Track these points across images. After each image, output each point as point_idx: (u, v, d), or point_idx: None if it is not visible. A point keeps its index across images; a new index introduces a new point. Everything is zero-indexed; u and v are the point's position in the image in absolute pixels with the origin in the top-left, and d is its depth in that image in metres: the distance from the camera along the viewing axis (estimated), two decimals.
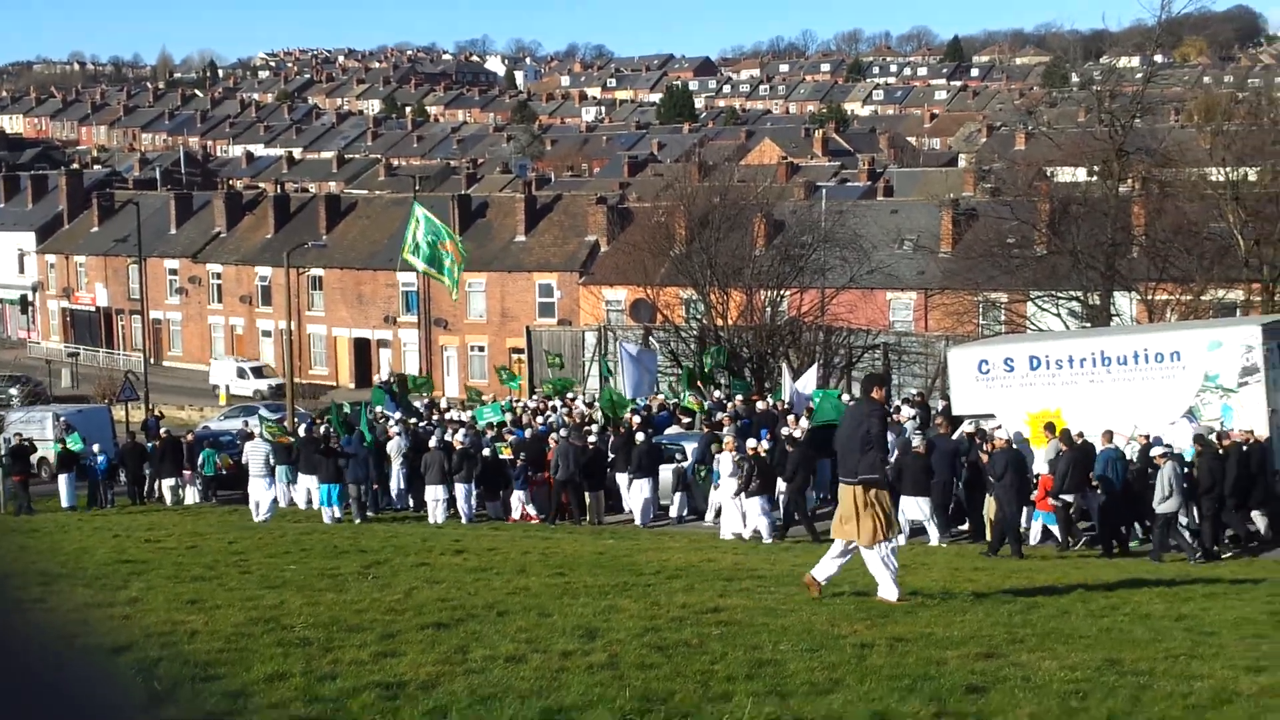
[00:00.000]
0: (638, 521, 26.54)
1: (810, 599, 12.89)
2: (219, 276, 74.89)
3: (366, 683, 8.75)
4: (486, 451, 28.34)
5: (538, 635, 10.51)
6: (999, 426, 23.56)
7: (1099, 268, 38.33)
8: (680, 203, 50.25)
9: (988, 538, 22.10)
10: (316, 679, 8.89)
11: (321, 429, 31.35)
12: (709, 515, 26.36)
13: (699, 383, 34.70)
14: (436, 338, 67.14)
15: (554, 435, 28.95)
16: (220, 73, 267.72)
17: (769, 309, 42.76)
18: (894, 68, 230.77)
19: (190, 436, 34.92)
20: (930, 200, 59.56)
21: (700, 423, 30.62)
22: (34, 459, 35.76)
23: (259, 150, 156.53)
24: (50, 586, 13.20)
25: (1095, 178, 42.74)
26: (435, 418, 34.97)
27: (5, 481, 31.84)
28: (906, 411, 27.73)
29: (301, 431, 30.97)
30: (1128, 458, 22.28)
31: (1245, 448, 21.65)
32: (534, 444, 29.02)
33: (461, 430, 29.89)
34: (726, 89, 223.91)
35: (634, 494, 26.93)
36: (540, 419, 32.50)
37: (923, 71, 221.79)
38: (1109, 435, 22.41)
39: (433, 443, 28.00)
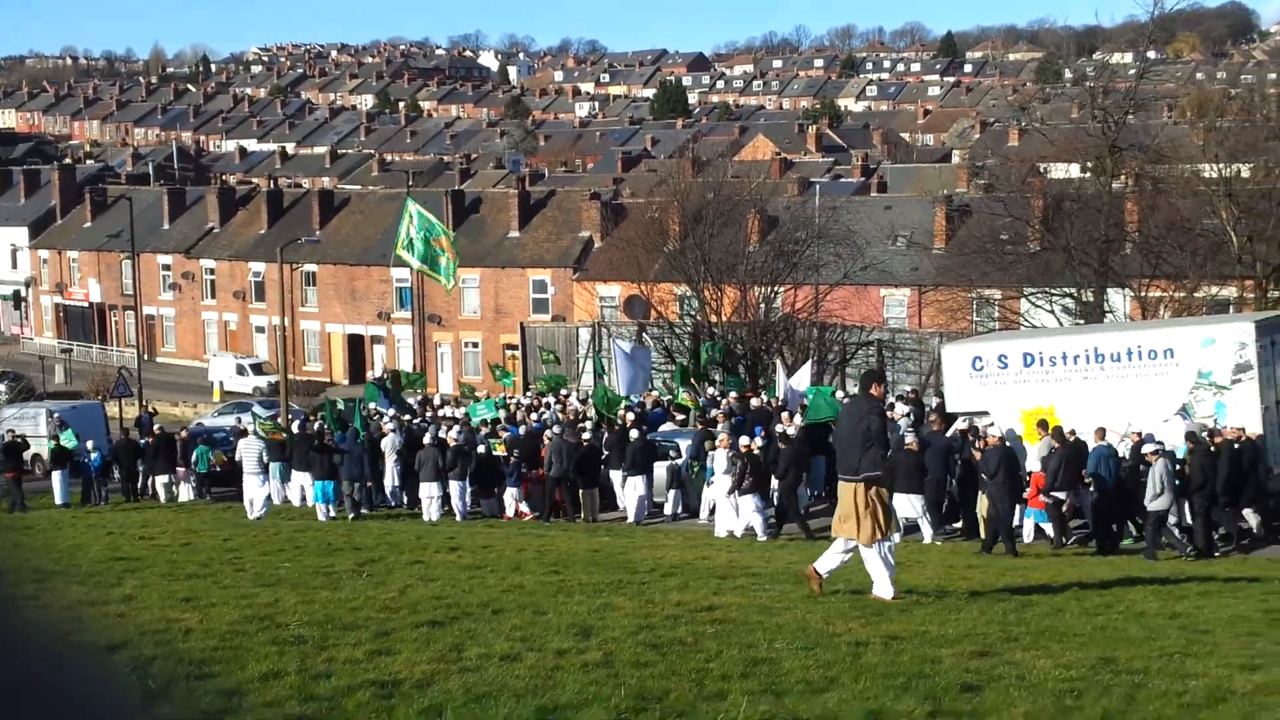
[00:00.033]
0: (631, 519, 26.53)
1: (808, 593, 12.89)
2: (212, 272, 74.81)
3: (361, 681, 8.74)
4: (481, 449, 28.31)
5: (533, 633, 10.51)
6: (991, 424, 23.57)
7: (1092, 264, 38.38)
8: (674, 199, 50.25)
9: (981, 535, 22.12)
10: (311, 677, 8.87)
11: (315, 425, 31.32)
12: (703, 513, 26.35)
13: (693, 380, 34.69)
14: (430, 334, 67.10)
15: (548, 432, 28.93)
16: (213, 67, 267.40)
17: (763, 305, 42.77)
18: (887, 63, 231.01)
19: (184, 433, 34.88)
20: (924, 196, 59.57)
21: (694, 420, 30.60)
22: (27, 455, 35.75)
23: (252, 145, 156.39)
24: (44, 584, 13.18)
25: (1089, 174, 42.81)
26: (429, 414, 34.93)
27: None
28: (900, 408, 27.71)
29: (295, 428, 30.94)
30: (1120, 455, 22.29)
31: (1237, 445, 21.67)
32: (528, 441, 29.01)
33: (456, 427, 29.86)
34: (720, 85, 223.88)
35: (628, 491, 26.91)
36: (534, 416, 32.48)
37: (916, 67, 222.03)
38: (1101, 432, 22.42)
39: (427, 440, 27.97)
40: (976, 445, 23.00)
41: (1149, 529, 21.03)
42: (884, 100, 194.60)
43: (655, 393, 35.16)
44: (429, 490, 27.10)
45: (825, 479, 27.09)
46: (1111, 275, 38.76)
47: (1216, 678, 9.09)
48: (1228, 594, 14.82)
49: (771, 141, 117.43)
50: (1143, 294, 38.28)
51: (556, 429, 28.73)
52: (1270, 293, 36.29)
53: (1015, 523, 22.45)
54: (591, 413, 31.94)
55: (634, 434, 27.25)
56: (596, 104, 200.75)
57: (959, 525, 24.00)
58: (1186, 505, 21.78)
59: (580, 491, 27.44)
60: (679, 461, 27.72)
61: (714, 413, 29.89)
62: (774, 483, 24.64)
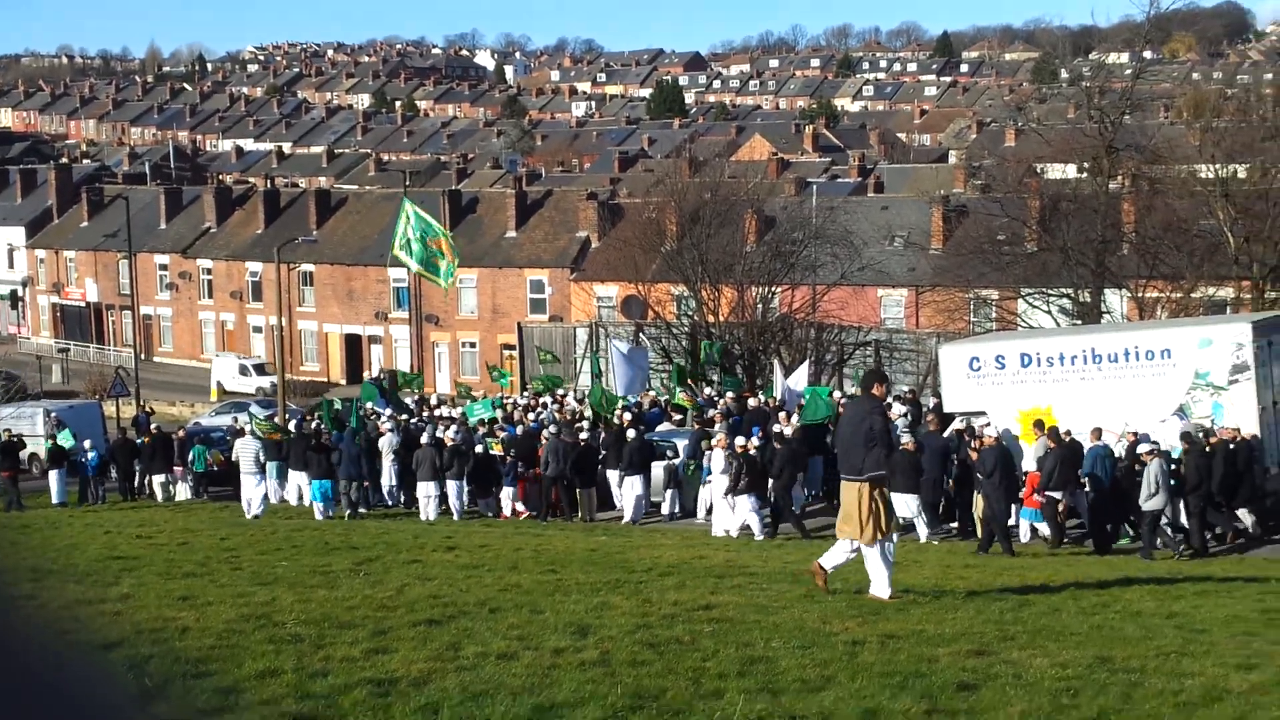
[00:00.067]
0: (628, 518, 26.53)
1: (813, 589, 12.90)
2: (209, 272, 74.79)
3: (358, 679, 8.74)
4: (479, 448, 28.32)
5: (529, 632, 10.51)
6: (988, 424, 23.59)
7: (1089, 265, 38.40)
8: (671, 199, 50.25)
9: (978, 535, 22.13)
10: (308, 676, 8.88)
11: (313, 425, 31.32)
12: (700, 512, 26.36)
13: (690, 380, 34.69)
14: (428, 334, 67.09)
15: (545, 432, 28.93)
16: (209, 67, 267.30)
17: (760, 305, 42.78)
18: (884, 63, 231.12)
19: (181, 433, 34.86)
20: (921, 197, 59.62)
21: (691, 420, 30.61)
22: (24, 455, 35.72)
23: (248, 145, 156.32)
24: (41, 582, 13.18)
25: (1085, 174, 42.82)
26: (425, 414, 34.94)
27: None
28: (898, 409, 27.70)
29: (292, 427, 30.93)
30: (1116, 455, 22.31)
31: (1232, 445, 21.70)
32: (525, 441, 29.01)
33: (453, 427, 29.86)
34: (716, 84, 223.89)
35: (625, 491, 26.92)
36: (532, 415, 32.48)
37: (912, 67, 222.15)
38: (1098, 433, 22.44)
39: (424, 439, 27.97)
40: (972, 445, 23.02)
41: (1145, 529, 21.05)
42: (880, 100, 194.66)
43: (652, 393, 35.17)
44: (426, 490, 27.10)
45: (822, 479, 27.15)
46: (1108, 276, 38.78)
47: (1213, 677, 9.10)
48: (1224, 593, 14.83)
49: (768, 141, 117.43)
50: (1140, 294, 38.30)
51: (553, 429, 28.73)
52: (1267, 293, 36.30)
53: (1011, 523, 22.48)
54: (588, 412, 31.95)
55: (631, 434, 27.27)
56: (593, 104, 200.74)
57: (954, 525, 24.01)
58: (1181, 505, 21.80)
59: (577, 491, 27.45)
60: (676, 461, 27.74)
61: (711, 413, 29.90)
62: (770, 482, 24.63)
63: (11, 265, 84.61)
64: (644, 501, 26.89)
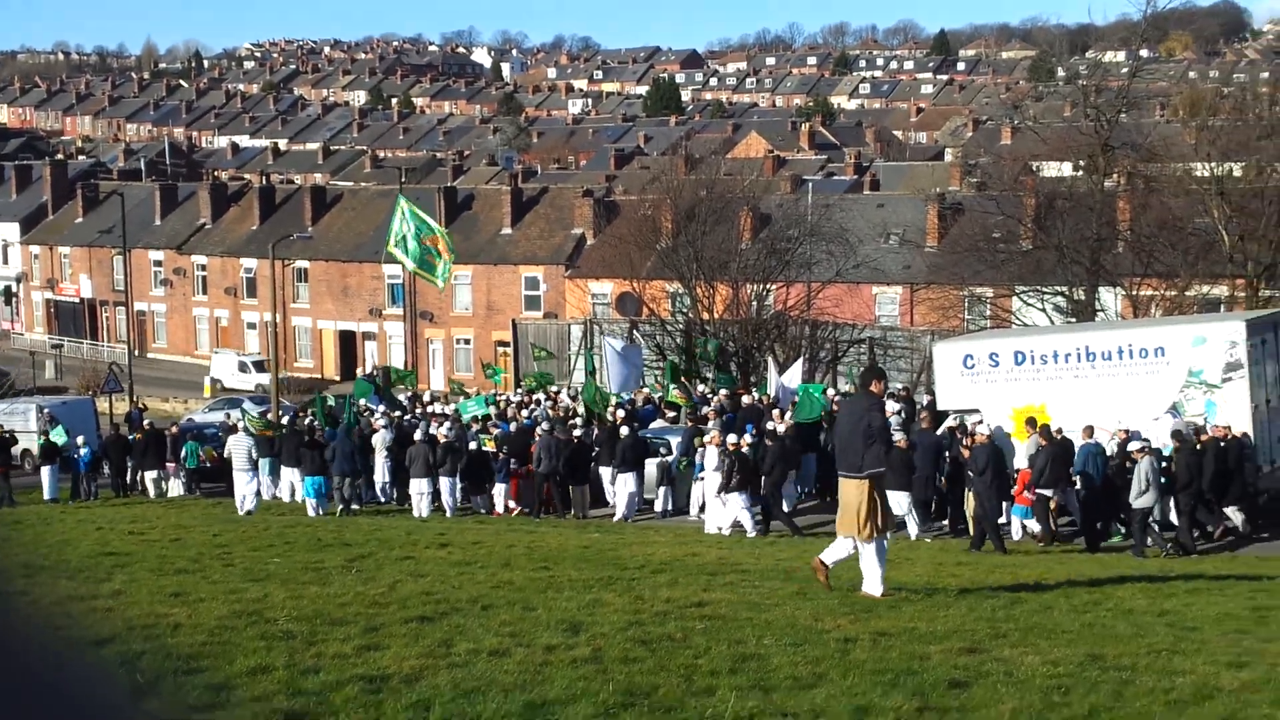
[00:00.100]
0: (619, 515, 26.51)
1: (804, 587, 12.90)
2: (204, 268, 74.72)
3: (350, 676, 8.73)
4: (472, 445, 28.30)
5: (521, 629, 10.51)
6: (980, 421, 23.60)
7: (1084, 263, 38.42)
8: (666, 196, 50.25)
9: (970, 533, 22.15)
10: (299, 672, 8.87)
11: (306, 421, 31.29)
12: (693, 509, 26.35)
13: (684, 378, 34.68)
14: (422, 330, 67.06)
15: (539, 428, 28.91)
16: (205, 63, 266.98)
17: (755, 303, 42.78)
18: (880, 61, 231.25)
19: (175, 429, 34.84)
20: (916, 194, 59.67)
21: (685, 417, 30.60)
22: (16, 451, 35.68)
23: (244, 141, 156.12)
24: (33, 579, 13.16)
25: (1081, 172, 42.84)
26: (419, 411, 34.90)
27: None
28: (891, 406, 27.74)
29: (285, 423, 30.91)
30: (1108, 453, 22.33)
31: (1223, 443, 21.72)
32: (518, 437, 28.97)
33: (446, 423, 29.85)
34: (713, 82, 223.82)
35: (619, 488, 26.91)
36: (525, 412, 32.45)
37: (909, 65, 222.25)
38: (1089, 430, 22.45)
39: (417, 436, 27.95)
40: (964, 443, 23.03)
41: (1135, 526, 21.08)
42: (877, 98, 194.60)
43: (646, 389, 35.15)
44: (419, 486, 27.08)
45: (816, 476, 27.17)
46: (1103, 274, 38.80)
47: (1204, 675, 9.11)
48: (1216, 592, 14.84)
49: (764, 139, 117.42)
50: (1134, 293, 38.31)
51: (545, 425, 28.71)
52: (1261, 292, 36.32)
53: (1003, 520, 22.50)
54: (582, 409, 31.93)
55: (624, 431, 27.26)
56: (589, 101, 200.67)
57: (945, 522, 24.04)
58: (1172, 503, 21.83)
59: (570, 488, 27.44)
60: (669, 459, 27.73)
61: (705, 410, 29.90)
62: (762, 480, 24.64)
63: (6, 261, 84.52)
64: (637, 499, 26.88)
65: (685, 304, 44.50)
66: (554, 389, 36.91)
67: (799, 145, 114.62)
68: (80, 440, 33.65)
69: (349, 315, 69.10)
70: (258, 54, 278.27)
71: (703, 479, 25.12)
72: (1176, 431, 21.91)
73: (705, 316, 42.24)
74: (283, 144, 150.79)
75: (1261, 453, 22.77)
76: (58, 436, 33.93)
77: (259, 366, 66.26)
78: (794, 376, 30.98)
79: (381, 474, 29.56)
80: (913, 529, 22.91)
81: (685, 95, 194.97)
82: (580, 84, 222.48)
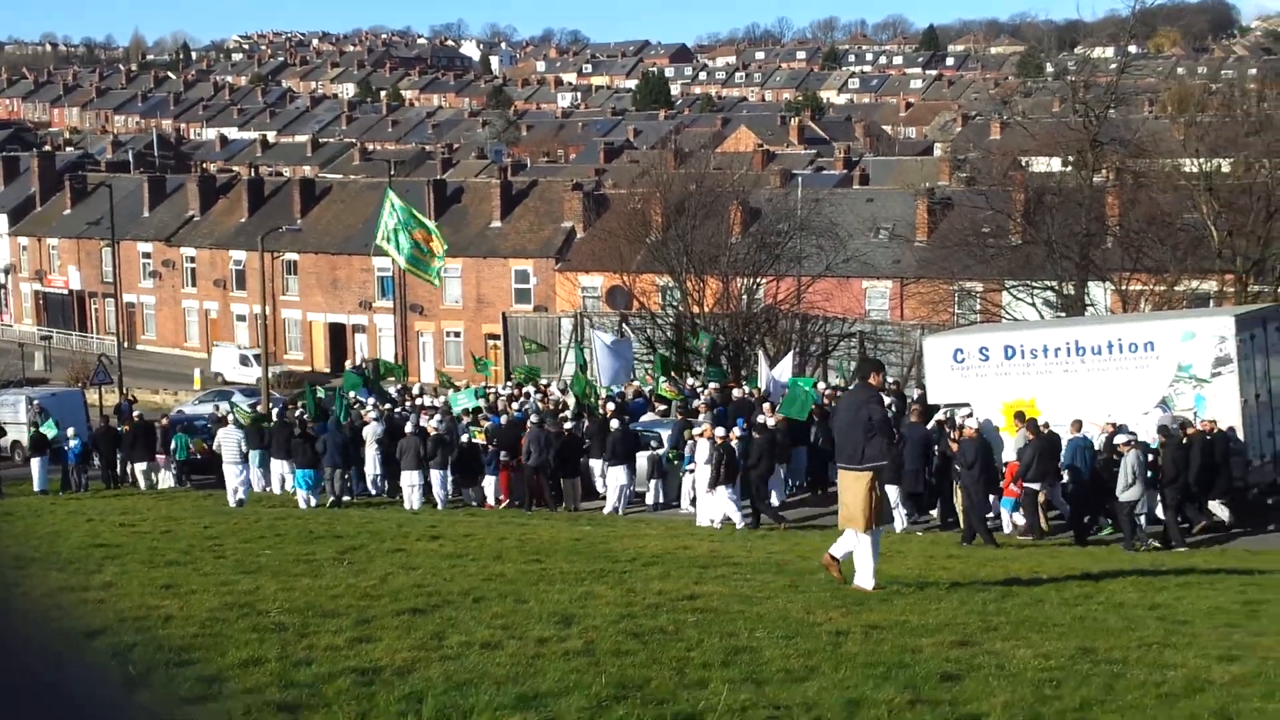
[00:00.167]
0: (609, 508, 26.51)
1: (796, 580, 12.92)
2: (193, 260, 74.53)
3: (342, 668, 8.73)
4: (463, 438, 28.28)
5: (513, 622, 10.51)
6: (970, 414, 23.62)
7: (1073, 258, 38.51)
8: (656, 190, 50.26)
9: (960, 526, 22.17)
10: (291, 664, 8.86)
11: (296, 413, 31.26)
12: (684, 502, 26.36)
13: (673, 373, 34.69)
14: (412, 323, 66.99)
15: (530, 421, 28.89)
16: (193, 55, 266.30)
17: (745, 296, 42.81)
18: (870, 56, 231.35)
19: (164, 421, 34.77)
20: (906, 189, 59.70)
21: (675, 410, 30.60)
22: (5, 442, 35.61)
23: (233, 133, 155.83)
24: (23, 570, 13.12)
25: (1070, 168, 42.97)
26: (408, 403, 34.88)
27: None
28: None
29: (275, 416, 30.87)
30: (1096, 447, 22.37)
31: (1209, 437, 21.77)
32: (509, 430, 28.95)
33: (437, 416, 29.83)
34: (702, 76, 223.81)
35: (609, 481, 26.92)
36: (515, 405, 32.44)
37: (898, 60, 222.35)
38: (1078, 424, 22.48)
39: (408, 428, 27.93)
40: (952, 437, 23.05)
41: (1122, 520, 21.13)
42: (866, 93, 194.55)
43: (636, 383, 35.15)
44: (410, 479, 27.05)
45: (806, 470, 27.18)
46: (1092, 269, 38.90)
47: (1195, 668, 9.14)
48: (1206, 585, 14.89)
49: (754, 133, 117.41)
50: (1123, 287, 38.41)
51: (535, 418, 28.70)
52: (1250, 287, 36.42)
53: (992, 514, 22.53)
54: (572, 402, 31.93)
55: (615, 424, 27.25)
56: (579, 94, 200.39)
57: (934, 515, 24.07)
58: (1158, 497, 21.87)
59: (561, 481, 27.44)
60: (660, 451, 27.73)
61: (695, 403, 29.91)
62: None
63: None
64: (628, 491, 26.88)
65: (675, 298, 44.52)
66: (544, 382, 36.88)
67: (788, 140, 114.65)
68: (70, 432, 33.58)
69: (339, 308, 69.00)
70: (246, 46, 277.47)
71: (692, 471, 25.12)
72: (1163, 426, 21.96)
73: (695, 310, 42.26)
74: (271, 136, 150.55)
75: (1251, 447, 22.83)
76: (48, 430, 33.85)
77: (260, 359, 66.15)
78: (784, 370, 31.00)
79: (372, 466, 29.54)
80: (899, 522, 22.92)
81: (675, 89, 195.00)
82: (569, 77, 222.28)
